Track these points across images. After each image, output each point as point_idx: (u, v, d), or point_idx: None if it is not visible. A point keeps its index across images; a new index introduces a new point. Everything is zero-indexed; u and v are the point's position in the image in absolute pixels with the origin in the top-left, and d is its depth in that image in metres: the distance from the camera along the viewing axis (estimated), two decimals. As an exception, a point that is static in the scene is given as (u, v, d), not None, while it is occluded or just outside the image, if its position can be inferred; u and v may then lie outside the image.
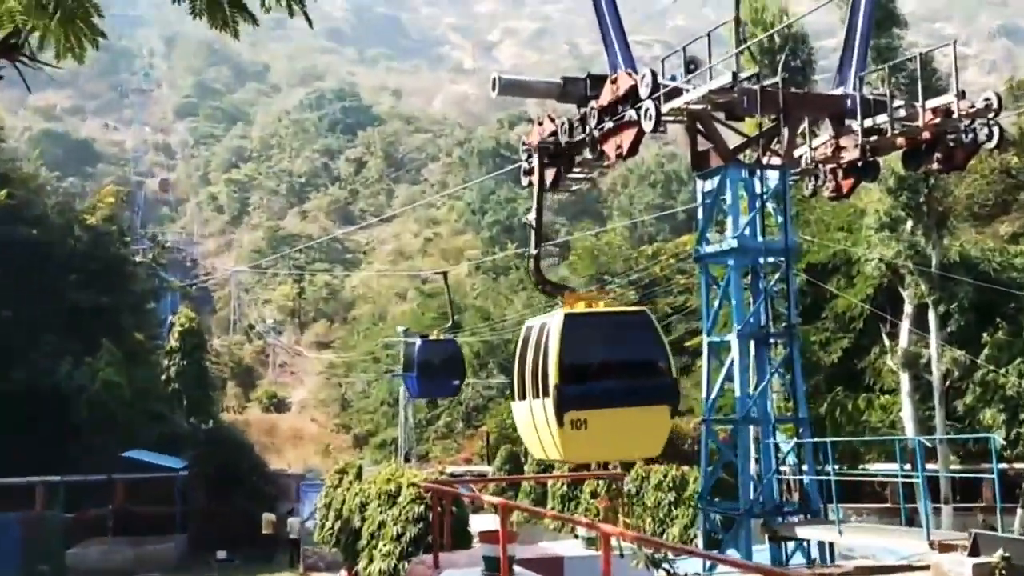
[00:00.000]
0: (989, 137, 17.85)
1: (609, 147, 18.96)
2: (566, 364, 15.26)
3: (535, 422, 15.89)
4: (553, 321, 15.90)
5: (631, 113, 18.14)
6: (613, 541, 9.55)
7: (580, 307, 17.09)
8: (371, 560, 21.91)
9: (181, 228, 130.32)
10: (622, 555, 11.75)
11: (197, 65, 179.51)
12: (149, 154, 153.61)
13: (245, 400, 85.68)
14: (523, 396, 16.31)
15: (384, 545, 21.24)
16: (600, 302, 18.59)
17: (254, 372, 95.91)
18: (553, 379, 15.12)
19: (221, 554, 42.17)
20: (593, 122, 19.24)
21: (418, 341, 37.51)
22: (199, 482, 45.69)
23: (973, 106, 17.61)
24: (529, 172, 22.19)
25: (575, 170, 20.84)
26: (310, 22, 8.45)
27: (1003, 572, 13.19)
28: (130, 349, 50.69)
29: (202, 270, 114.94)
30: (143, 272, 61.36)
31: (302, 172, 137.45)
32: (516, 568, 10.50)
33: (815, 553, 18.53)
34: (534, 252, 19.42)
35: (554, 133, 20.79)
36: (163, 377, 49.65)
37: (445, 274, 43.86)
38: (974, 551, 13.82)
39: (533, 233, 19.35)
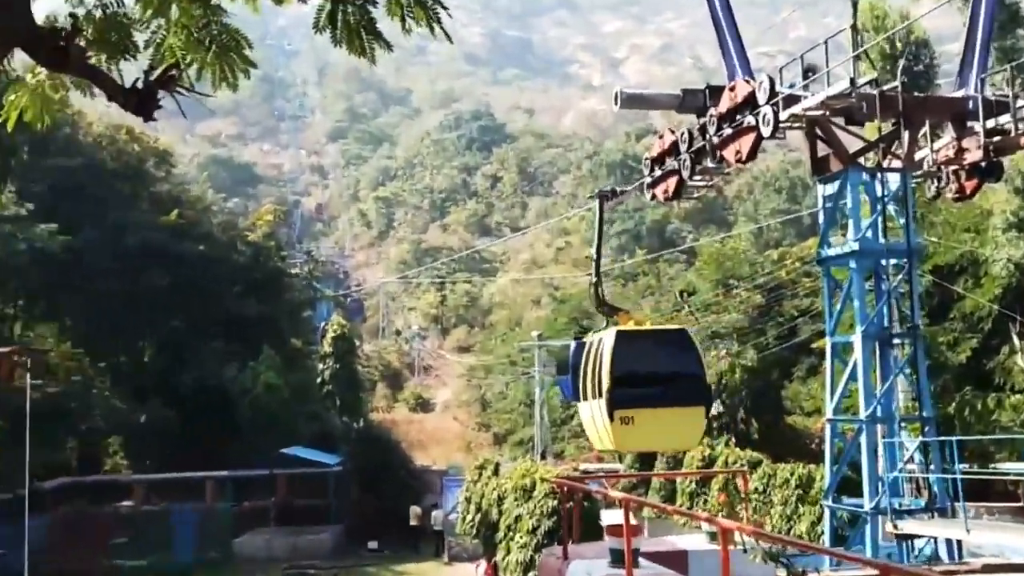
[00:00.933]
0: (1117, 135, 16.83)
1: (729, 153, 18.68)
2: (616, 372, 17.32)
3: (594, 418, 17.99)
4: (607, 336, 18.19)
5: (749, 119, 17.84)
6: (736, 536, 9.35)
7: (630, 325, 19.18)
8: (508, 551, 22.04)
9: (334, 243, 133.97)
10: (745, 550, 11.49)
11: (347, 92, 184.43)
12: (304, 175, 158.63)
13: (393, 401, 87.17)
14: (585, 398, 18.41)
15: (520, 537, 21.34)
16: (647, 321, 21.43)
17: (401, 375, 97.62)
18: (606, 383, 17.30)
19: (372, 544, 42.98)
20: (712, 129, 19.00)
21: (572, 344, 27.54)
22: (352, 477, 46.58)
23: (1101, 103, 16.64)
24: (652, 185, 22.04)
25: (696, 178, 20.56)
26: (449, 38, 8.52)
27: None
28: (288, 354, 52.15)
29: (353, 281, 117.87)
30: (299, 283, 63.10)
31: (442, 188, 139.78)
32: (641, 560, 10.39)
33: (942, 551, 17.80)
34: (595, 280, 22.08)
35: (675, 144, 20.60)
36: (318, 380, 50.92)
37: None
38: (1108, 551, 13.02)
39: (594, 263, 22.03)
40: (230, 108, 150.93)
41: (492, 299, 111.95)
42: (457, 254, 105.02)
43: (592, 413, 18.29)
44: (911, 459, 19.01)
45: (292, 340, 56.35)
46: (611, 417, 17.18)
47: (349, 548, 42.74)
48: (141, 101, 9.37)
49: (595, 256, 22.38)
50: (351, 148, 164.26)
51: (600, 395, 17.60)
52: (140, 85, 9.30)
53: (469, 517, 29.74)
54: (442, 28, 8.39)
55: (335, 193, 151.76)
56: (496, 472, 29.56)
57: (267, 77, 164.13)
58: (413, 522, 44.20)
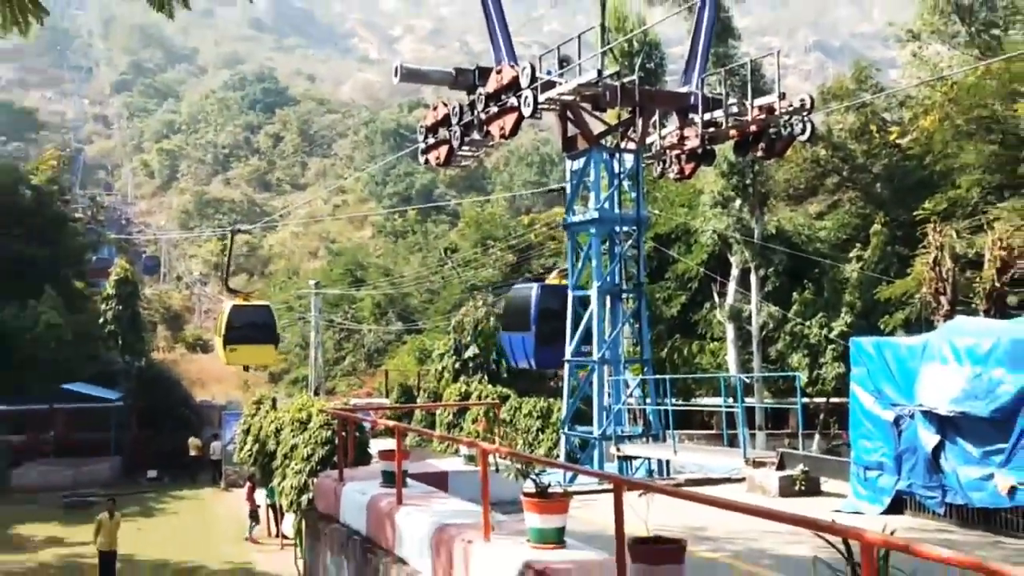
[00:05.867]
0: (803, 131, 18.45)
1: (494, 128, 18.96)
2: (231, 324, 31.11)
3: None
4: (225, 306, 32.52)
5: (513, 100, 18.18)
6: (489, 458, 9.67)
7: (241, 301, 32.64)
8: (284, 477, 21.63)
9: (116, 191, 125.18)
10: (497, 470, 11.92)
11: (132, 46, 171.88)
12: (88, 124, 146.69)
13: (174, 342, 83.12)
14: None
15: (296, 464, 20.97)
16: (253, 297, 35.38)
17: (182, 318, 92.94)
18: (223, 331, 31.40)
19: (151, 473, 41.28)
20: (480, 106, 19.19)
21: (535, 287, 24.69)
22: (132, 411, 44.45)
23: (791, 105, 18.17)
24: (425, 151, 22.06)
25: (464, 148, 20.76)
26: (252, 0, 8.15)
27: (803, 482, 13.89)
28: (71, 296, 48.54)
29: (135, 228, 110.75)
30: (82, 228, 58.73)
31: (226, 144, 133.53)
32: (408, 480, 10.58)
33: (655, 469, 19.16)
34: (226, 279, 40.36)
35: (447, 117, 20.69)
36: (100, 320, 47.68)
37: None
38: (780, 466, 14.50)
39: (224, 279, 35.05)
40: (11, 53, 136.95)
41: (271, 250, 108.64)
42: (239, 207, 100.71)
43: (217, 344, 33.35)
44: (632, 394, 20.25)
45: (75, 282, 52.36)
46: (225, 348, 31.16)
47: (129, 478, 40.82)
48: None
49: (225, 275, 40.37)
50: (136, 101, 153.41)
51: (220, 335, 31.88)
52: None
53: (247, 447, 28.88)
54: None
55: (119, 143, 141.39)
56: (274, 406, 28.86)
57: (51, 25, 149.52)
58: (192, 453, 42.76)
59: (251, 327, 31.38)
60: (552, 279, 25.46)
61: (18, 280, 44.45)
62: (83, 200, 74.25)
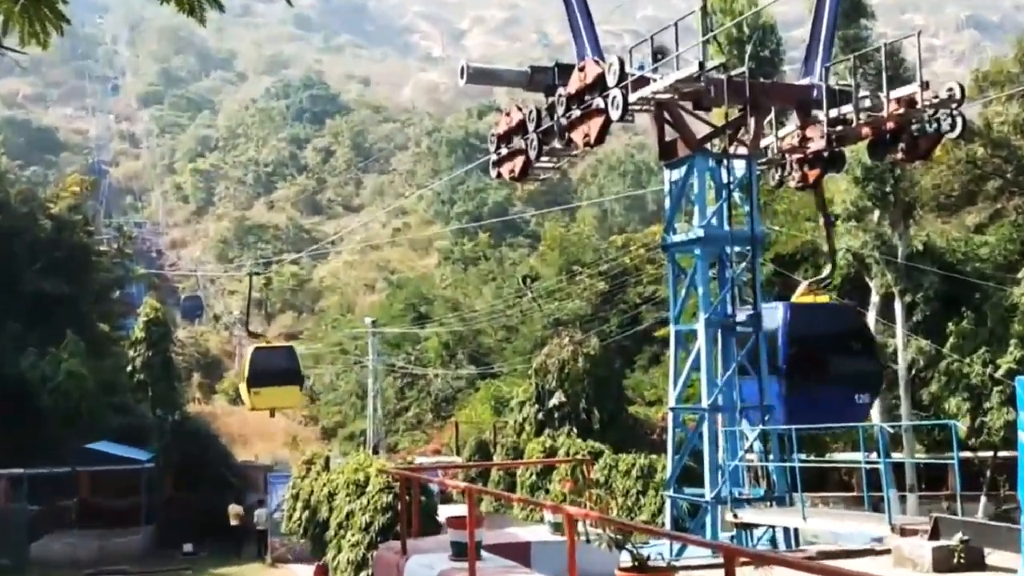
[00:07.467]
0: (952, 127, 18.12)
1: (577, 135, 19.08)
2: (253, 367, 35.07)
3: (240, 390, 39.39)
4: (248, 351, 37.32)
5: (598, 101, 18.28)
6: (579, 526, 9.69)
7: (263, 344, 37.89)
8: (339, 550, 22.03)
9: (146, 218, 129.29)
10: (588, 540, 11.93)
11: (162, 52, 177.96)
12: (113, 143, 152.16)
13: (211, 392, 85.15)
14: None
15: (352, 535, 21.35)
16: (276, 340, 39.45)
17: (220, 364, 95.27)
18: (247, 375, 35.44)
19: (187, 547, 42.07)
20: (561, 110, 19.34)
21: (780, 307, 21.30)
22: (165, 474, 45.42)
23: (937, 96, 17.89)
24: (497, 163, 22.32)
25: (543, 159, 20.94)
26: (290, 2, 8.44)
27: (962, 554, 13.50)
28: (95, 340, 50.30)
29: (167, 260, 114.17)
30: (107, 262, 60.85)
31: (268, 161, 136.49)
32: (483, 552, 10.64)
33: (780, 539, 18.84)
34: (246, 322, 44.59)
35: (522, 123, 20.91)
36: (128, 368, 49.21)
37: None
38: (934, 535, 14.12)
39: (245, 319, 39.13)
40: (28, 67, 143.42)
41: (322, 283, 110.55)
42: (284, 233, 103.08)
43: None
44: (751, 448, 19.98)
45: (99, 324, 54.24)
46: (248, 391, 35.09)
47: (162, 551, 41.75)
48: (-58, 56, 8.97)
49: (246, 318, 48.18)
50: (166, 115, 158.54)
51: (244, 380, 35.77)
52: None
53: (296, 515, 29.48)
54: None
55: (148, 163, 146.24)
56: (327, 467, 29.42)
57: (72, 32, 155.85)
58: (233, 522, 43.49)
59: (275, 369, 35.43)
60: (803, 295, 21.72)
61: (37, 323, 46.24)
62: (109, 230, 76.97)
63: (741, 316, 19.92)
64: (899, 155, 19.33)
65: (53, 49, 8.94)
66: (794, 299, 20.05)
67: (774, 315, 20.27)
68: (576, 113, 18.96)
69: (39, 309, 47.08)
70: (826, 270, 23.94)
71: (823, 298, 20.18)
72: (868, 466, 18.44)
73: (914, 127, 18.57)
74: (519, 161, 21.39)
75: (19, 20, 8.21)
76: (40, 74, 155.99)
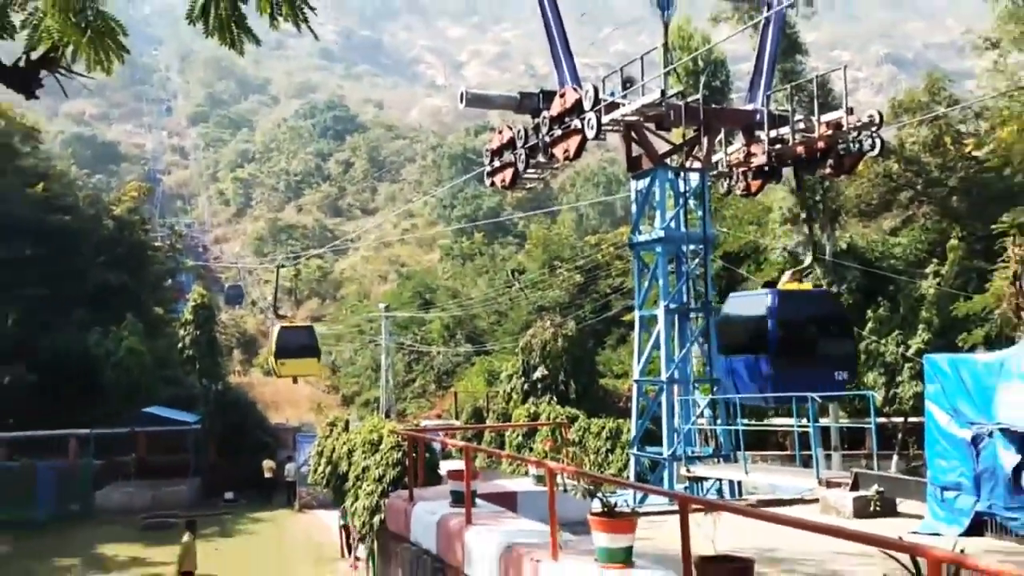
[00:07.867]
0: (872, 147, 18.20)
1: (558, 151, 19.11)
2: (280, 343, 35.91)
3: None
4: (275, 327, 37.62)
5: (576, 122, 18.29)
6: (557, 478, 9.72)
7: (288, 323, 38.49)
8: (357, 498, 21.94)
9: (193, 219, 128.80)
10: (565, 490, 11.96)
11: (208, 79, 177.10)
12: (166, 155, 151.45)
13: (249, 365, 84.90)
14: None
15: (368, 486, 21.27)
16: (295, 319, 39.48)
17: (256, 342, 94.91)
18: (274, 348, 36.59)
19: (228, 495, 42.05)
20: (544, 130, 19.37)
21: (769, 295, 18.63)
22: (210, 434, 45.37)
23: (860, 121, 17.95)
24: (491, 174, 22.30)
25: (530, 171, 20.95)
26: (315, 35, 8.41)
27: (877, 503, 13.59)
28: (151, 322, 50.13)
29: (211, 255, 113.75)
30: (161, 256, 60.64)
31: (298, 171, 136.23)
32: (478, 500, 10.68)
33: (726, 490, 18.92)
34: (275, 307, 44.45)
35: (512, 140, 20.90)
36: (179, 345, 49.04)
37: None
38: (855, 487, 14.20)
39: (273, 305, 37.00)
40: (94, 89, 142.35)
41: (343, 274, 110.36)
42: (310, 232, 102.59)
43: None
44: (702, 414, 20.06)
45: (155, 309, 54.03)
46: (276, 360, 36.03)
47: (206, 499, 41.65)
48: (23, 79, 8.89)
49: (274, 303, 46.31)
50: (211, 131, 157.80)
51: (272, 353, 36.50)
52: (23, 64, 8.82)
53: (320, 469, 29.34)
54: (308, 25, 8.29)
55: (196, 172, 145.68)
56: (346, 428, 29.29)
57: (131, 61, 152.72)
58: (267, 475, 43.49)
59: (297, 344, 36.51)
60: (788, 283, 19.40)
61: (101, 309, 46.08)
62: (163, 229, 76.67)
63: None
64: (828, 170, 19.40)
65: (115, 75, 8.91)
66: (780, 286, 18.86)
67: (763, 301, 18.65)
68: (557, 132, 18.98)
69: (103, 296, 46.88)
70: (807, 260, 23.96)
71: (806, 285, 19.51)
72: (800, 430, 18.48)
73: (840, 147, 18.64)
74: (509, 172, 21.40)
75: (86, 50, 8.16)
76: (104, 96, 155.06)
